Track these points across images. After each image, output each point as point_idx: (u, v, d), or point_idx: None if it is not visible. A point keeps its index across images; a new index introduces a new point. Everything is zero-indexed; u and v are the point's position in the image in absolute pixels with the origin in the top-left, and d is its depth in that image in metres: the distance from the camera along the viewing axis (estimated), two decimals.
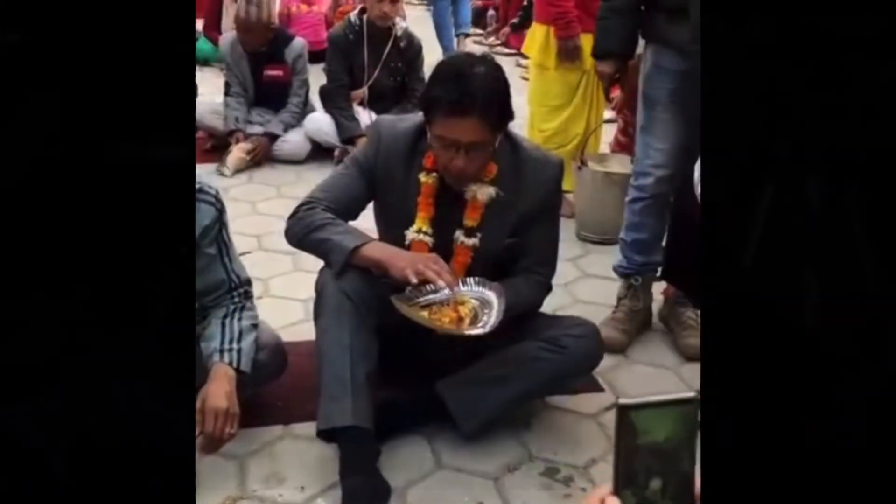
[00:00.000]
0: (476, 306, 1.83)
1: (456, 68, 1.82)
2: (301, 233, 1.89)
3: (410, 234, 1.94)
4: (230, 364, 1.74)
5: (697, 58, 2.14)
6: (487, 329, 1.76)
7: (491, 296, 1.85)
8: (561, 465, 1.93)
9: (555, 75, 3.41)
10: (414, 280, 1.76)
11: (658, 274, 2.54)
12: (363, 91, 4.10)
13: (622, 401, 0.73)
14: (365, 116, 4.04)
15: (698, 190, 1.66)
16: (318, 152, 4.17)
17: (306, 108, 4.27)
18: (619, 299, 2.57)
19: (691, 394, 0.78)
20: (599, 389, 2.24)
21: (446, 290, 1.78)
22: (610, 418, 2.14)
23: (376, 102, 4.09)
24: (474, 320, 1.80)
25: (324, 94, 4.21)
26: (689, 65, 2.18)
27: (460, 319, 1.79)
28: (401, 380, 2.02)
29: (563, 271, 2.65)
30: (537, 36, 3.45)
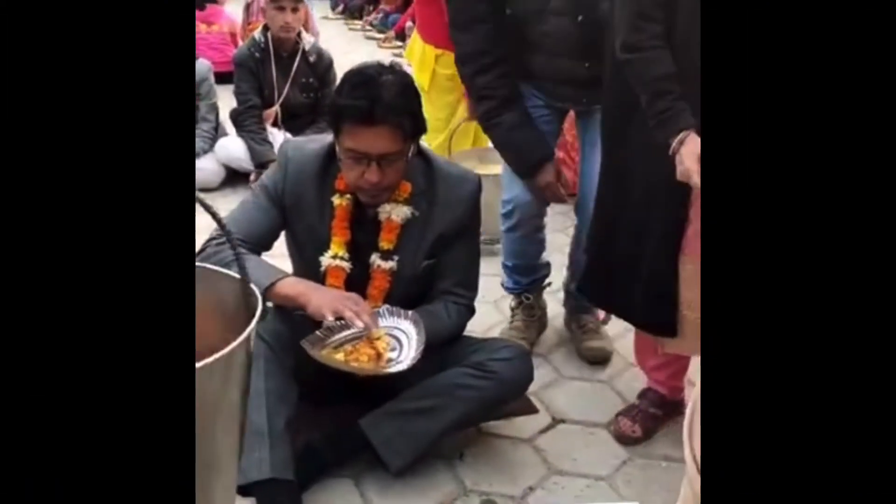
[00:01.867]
0: (392, 339, 1.73)
1: (365, 76, 1.72)
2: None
3: (326, 260, 1.83)
4: None
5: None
6: (407, 364, 1.66)
7: (407, 326, 1.75)
8: (497, 497, 1.83)
9: (432, 97, 3.18)
10: (331, 318, 1.65)
11: (548, 283, 2.53)
12: (275, 110, 3.96)
13: None
14: (280, 136, 3.90)
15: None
16: (233, 177, 4.01)
17: (217, 133, 4.11)
18: (513, 310, 2.52)
19: None
20: (534, 411, 2.15)
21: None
22: (547, 441, 2.05)
23: (290, 121, 3.95)
24: (392, 355, 1.69)
25: (234, 117, 4.06)
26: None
27: (378, 356, 1.68)
28: (323, 420, 1.89)
29: (489, 287, 2.56)
30: (416, 49, 3.28)
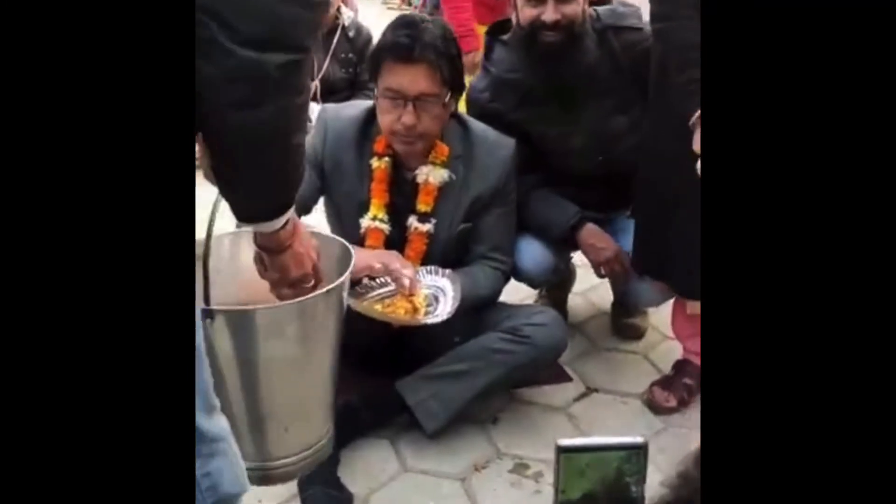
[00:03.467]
0: (429, 295, 1.77)
1: (407, 19, 1.82)
2: None
3: (365, 222, 1.86)
4: None
5: None
6: (444, 317, 1.69)
7: (444, 283, 1.78)
8: (530, 461, 1.85)
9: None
10: (378, 266, 1.71)
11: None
12: (315, 84, 3.98)
13: (561, 442, 0.70)
14: (319, 110, 3.93)
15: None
16: None
17: None
18: (539, 292, 2.52)
19: (640, 439, 0.76)
20: (568, 379, 2.17)
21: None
22: (580, 409, 2.07)
23: (329, 96, 3.96)
24: (429, 309, 1.73)
25: None
26: None
27: (415, 310, 1.72)
28: (359, 382, 1.92)
29: None
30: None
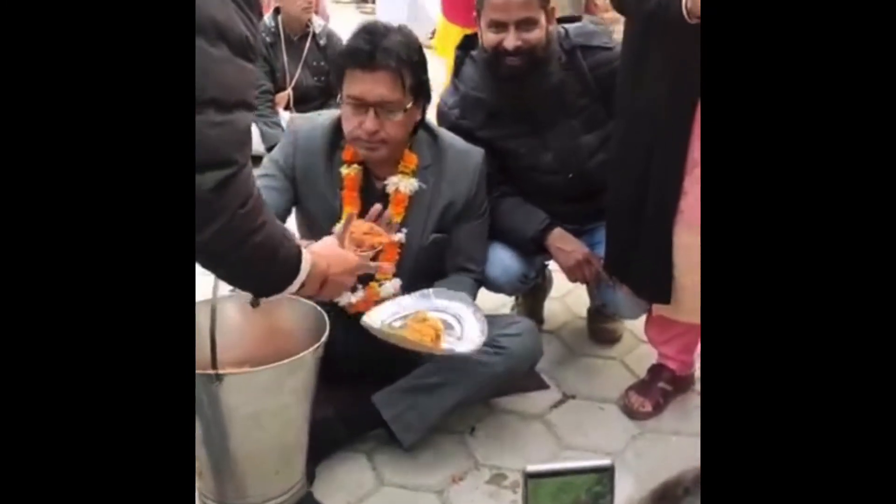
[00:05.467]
0: (442, 319, 1.75)
1: (371, 26, 1.82)
2: None
3: (337, 230, 1.84)
4: None
5: None
6: (475, 348, 1.69)
7: (457, 307, 1.78)
8: (508, 471, 1.85)
9: None
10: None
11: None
12: (287, 93, 3.97)
13: (528, 469, 0.71)
14: (288, 120, 3.92)
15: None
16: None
17: None
18: (515, 299, 2.51)
19: (607, 461, 0.77)
20: (545, 386, 2.17)
21: (414, 306, 1.76)
22: (557, 416, 2.07)
23: (301, 104, 3.96)
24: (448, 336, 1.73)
25: None
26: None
27: (437, 337, 1.69)
28: (338, 396, 1.91)
29: None
30: (453, 37, 3.27)
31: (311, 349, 1.54)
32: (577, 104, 2.08)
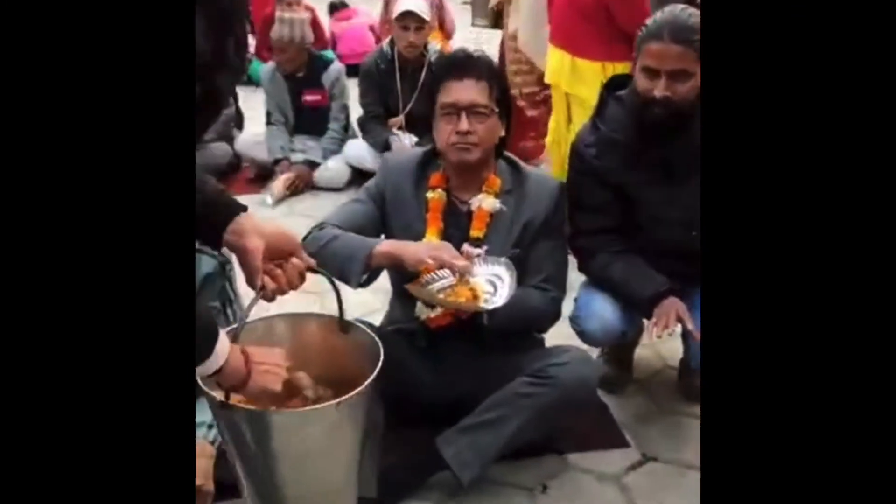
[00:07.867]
0: (487, 282, 1.85)
1: (461, 49, 2.05)
2: (313, 250, 1.81)
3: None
4: (212, 442, 1.70)
5: None
6: (502, 302, 1.78)
7: (501, 270, 1.87)
8: None
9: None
10: (430, 262, 1.80)
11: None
12: (400, 119, 4.08)
13: None
14: (406, 140, 4.01)
15: None
16: (359, 177, 4.14)
17: (347, 133, 4.26)
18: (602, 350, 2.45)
19: None
20: (625, 445, 2.12)
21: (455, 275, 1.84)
22: (635, 479, 2.02)
23: (415, 128, 4.04)
24: (487, 296, 1.82)
25: (361, 124, 4.26)
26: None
27: (475, 297, 1.81)
28: (401, 442, 1.94)
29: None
30: (565, 64, 3.17)
31: (342, 399, 1.39)
32: None
